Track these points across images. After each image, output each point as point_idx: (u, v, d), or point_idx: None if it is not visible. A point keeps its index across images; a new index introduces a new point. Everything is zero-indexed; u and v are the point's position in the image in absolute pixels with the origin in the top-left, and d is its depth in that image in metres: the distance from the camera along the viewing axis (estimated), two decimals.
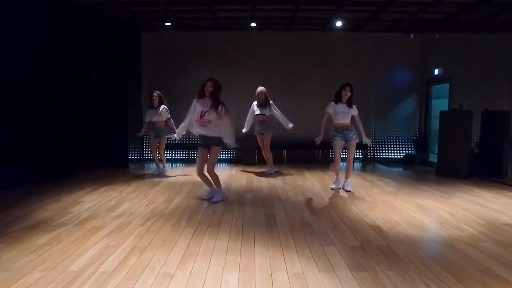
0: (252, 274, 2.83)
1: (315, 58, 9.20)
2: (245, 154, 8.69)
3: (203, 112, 4.85)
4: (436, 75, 8.59)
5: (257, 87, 7.17)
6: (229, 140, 5.14)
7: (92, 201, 5.07)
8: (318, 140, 5.76)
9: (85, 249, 3.28)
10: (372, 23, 8.58)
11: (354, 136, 5.62)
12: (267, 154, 7.37)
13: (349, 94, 5.57)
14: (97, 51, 7.98)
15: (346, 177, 5.77)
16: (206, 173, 5.08)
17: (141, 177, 6.97)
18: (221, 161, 9.21)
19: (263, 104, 7.10)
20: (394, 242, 3.51)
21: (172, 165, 8.75)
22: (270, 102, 7.13)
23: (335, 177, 5.86)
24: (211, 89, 4.84)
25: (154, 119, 6.98)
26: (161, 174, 7.13)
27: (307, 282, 2.68)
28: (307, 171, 7.72)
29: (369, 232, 3.82)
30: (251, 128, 7.33)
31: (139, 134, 7.26)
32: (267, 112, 7.11)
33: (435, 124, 9.15)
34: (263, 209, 4.71)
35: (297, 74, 9.18)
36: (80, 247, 3.33)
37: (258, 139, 7.40)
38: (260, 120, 7.17)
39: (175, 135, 5.47)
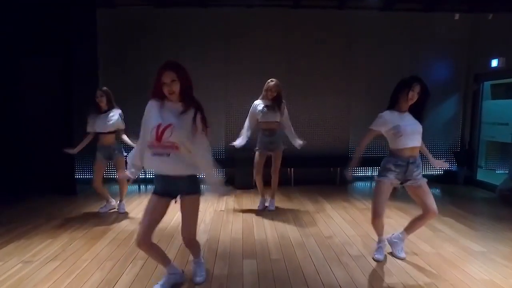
0: None
1: (331, 45, 6.95)
2: (239, 174, 6.41)
3: (163, 128, 2.40)
4: (494, 67, 6.43)
5: (270, 81, 4.67)
6: (214, 182, 2.60)
7: None
8: (349, 174, 3.35)
9: None
10: None
11: (421, 175, 3.20)
12: (276, 181, 4.96)
13: (416, 97, 3.14)
14: (30, 32, 5.66)
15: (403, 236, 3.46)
16: (153, 241, 2.65)
17: (84, 218, 4.62)
18: None
19: (273, 105, 4.65)
20: None
21: (140, 187, 6.46)
22: (283, 101, 4.73)
23: (378, 237, 3.45)
24: (176, 84, 2.39)
25: (100, 130, 4.60)
26: (116, 210, 4.88)
27: None
28: (326, 202, 5.49)
29: None
30: (249, 141, 4.82)
31: (70, 150, 4.57)
32: (278, 117, 4.70)
33: (486, 132, 7.04)
34: None
35: (307, 67, 6.94)
36: None
37: (258, 158, 4.80)
38: (269, 128, 4.74)
39: (128, 172, 2.76)
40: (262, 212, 4.93)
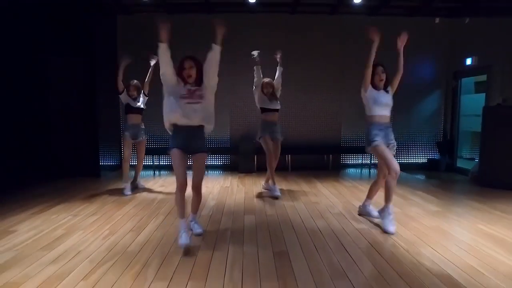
0: None
1: (325, 47, 7.80)
2: (242, 159, 7.26)
3: (192, 90, 3.36)
4: (469, 65, 7.22)
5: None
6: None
7: (29, 230, 3.62)
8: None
9: None
10: (393, 4, 7.26)
11: (393, 139, 3.93)
12: (274, 166, 5.39)
13: (384, 78, 4.08)
14: (56, 34, 6.50)
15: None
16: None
17: (110, 192, 5.49)
18: (213, 168, 7.79)
19: (274, 96, 5.30)
20: None
21: (155, 173, 7.31)
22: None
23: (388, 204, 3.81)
24: (194, 73, 3.44)
25: (134, 106, 5.32)
26: (136, 188, 5.69)
27: None
28: (317, 181, 6.31)
29: None
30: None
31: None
32: (278, 105, 5.31)
33: (464, 124, 7.83)
34: (271, 244, 3.29)
35: (303, 66, 7.78)
36: None
37: (267, 144, 5.18)
38: (271, 120, 5.25)
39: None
40: (262, 188, 5.72)
